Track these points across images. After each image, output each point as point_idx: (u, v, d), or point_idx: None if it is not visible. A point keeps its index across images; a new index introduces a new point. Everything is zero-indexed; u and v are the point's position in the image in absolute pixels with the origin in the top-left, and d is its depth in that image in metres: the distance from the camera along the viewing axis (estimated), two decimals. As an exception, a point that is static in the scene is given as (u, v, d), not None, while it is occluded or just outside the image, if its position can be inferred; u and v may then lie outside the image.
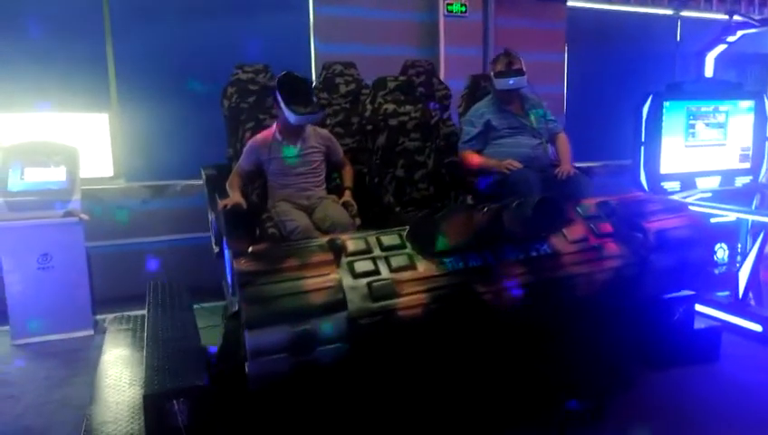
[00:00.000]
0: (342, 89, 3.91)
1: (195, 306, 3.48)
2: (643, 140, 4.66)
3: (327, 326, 2.05)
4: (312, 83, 3.27)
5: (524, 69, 3.49)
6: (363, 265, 2.23)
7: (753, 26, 4.64)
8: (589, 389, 2.68)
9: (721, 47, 4.85)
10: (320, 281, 2.10)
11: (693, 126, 4.76)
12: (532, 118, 3.57)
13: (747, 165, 5.06)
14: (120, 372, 2.70)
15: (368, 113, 3.63)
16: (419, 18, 5.13)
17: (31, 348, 3.60)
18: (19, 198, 3.71)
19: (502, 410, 2.53)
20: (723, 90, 4.86)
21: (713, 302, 3.86)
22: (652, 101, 4.58)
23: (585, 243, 2.52)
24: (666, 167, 4.71)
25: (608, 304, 2.51)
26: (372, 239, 2.36)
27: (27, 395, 2.95)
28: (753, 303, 3.78)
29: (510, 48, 3.57)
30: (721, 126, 4.87)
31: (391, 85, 3.71)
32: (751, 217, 4.20)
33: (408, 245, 2.36)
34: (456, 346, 2.29)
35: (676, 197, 4.31)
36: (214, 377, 2.30)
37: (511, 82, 3.45)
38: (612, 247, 2.55)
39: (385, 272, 2.24)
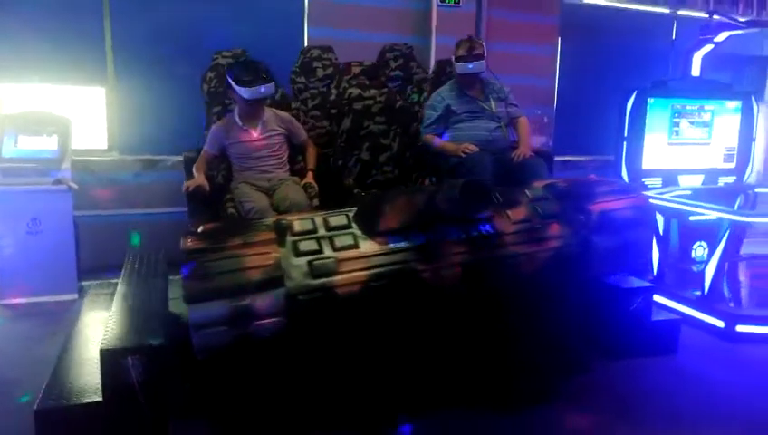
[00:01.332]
0: (320, 72, 4.01)
1: (176, 277, 3.61)
2: (625, 135, 4.70)
3: (264, 302, 2.16)
4: (265, 66, 3.33)
5: (485, 54, 3.62)
6: (307, 245, 2.33)
7: (739, 27, 4.64)
8: (539, 371, 2.78)
9: (708, 47, 4.85)
10: (259, 259, 2.21)
11: (677, 124, 4.79)
12: (492, 102, 3.70)
13: (732, 165, 5.08)
14: (91, 332, 2.84)
15: (332, 97, 3.77)
16: (413, 6, 5.20)
17: (17, 308, 3.77)
18: (12, 165, 3.86)
19: (447, 390, 2.62)
20: (709, 89, 4.87)
21: (678, 296, 3.94)
22: (636, 97, 4.62)
23: (528, 223, 2.60)
24: (648, 163, 4.75)
25: (551, 284, 2.58)
26: (319, 220, 2.45)
27: (6, 351, 3.12)
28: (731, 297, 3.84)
29: (473, 35, 3.69)
30: (706, 125, 4.89)
31: (356, 70, 3.85)
32: (733, 217, 4.25)
33: (354, 225, 2.44)
34: (395, 324, 2.38)
35: (653, 193, 4.35)
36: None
37: (470, 66, 3.57)
38: (555, 228, 2.62)
39: (328, 251, 2.33)
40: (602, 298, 3.18)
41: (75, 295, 3.94)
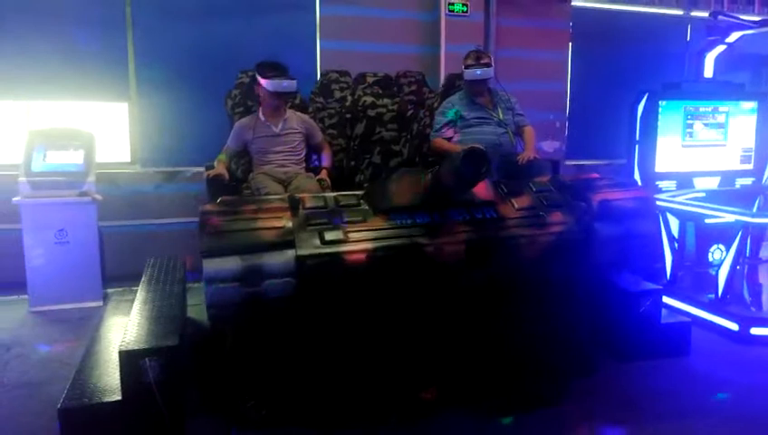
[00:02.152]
0: (337, 94, 4.19)
1: (195, 284, 3.76)
2: (637, 138, 4.71)
3: (275, 261, 2.26)
4: (287, 67, 3.57)
5: (492, 64, 3.78)
6: (317, 216, 2.44)
7: (748, 27, 4.61)
8: (545, 370, 2.80)
9: (720, 48, 4.83)
10: (271, 223, 2.34)
11: (690, 126, 4.77)
12: (500, 111, 3.86)
13: (749, 166, 5.03)
14: (112, 336, 2.98)
15: (348, 103, 3.94)
16: (422, 17, 5.30)
17: (45, 315, 3.95)
18: (41, 178, 4.05)
19: (450, 383, 2.67)
20: (723, 90, 4.85)
21: (692, 300, 3.92)
22: (647, 99, 4.63)
23: (531, 210, 2.67)
24: (661, 166, 4.75)
25: (555, 271, 2.62)
26: (330, 198, 2.57)
27: (35, 355, 3.28)
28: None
29: (481, 46, 3.79)
30: (721, 126, 4.87)
31: (371, 80, 4.03)
32: (749, 220, 4.21)
33: (363, 204, 2.55)
34: (398, 294, 2.46)
35: (664, 196, 4.35)
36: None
37: (478, 72, 3.73)
38: (557, 215, 2.68)
39: (337, 223, 2.44)
40: (611, 300, 3.20)
41: (100, 302, 4.10)
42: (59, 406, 2.27)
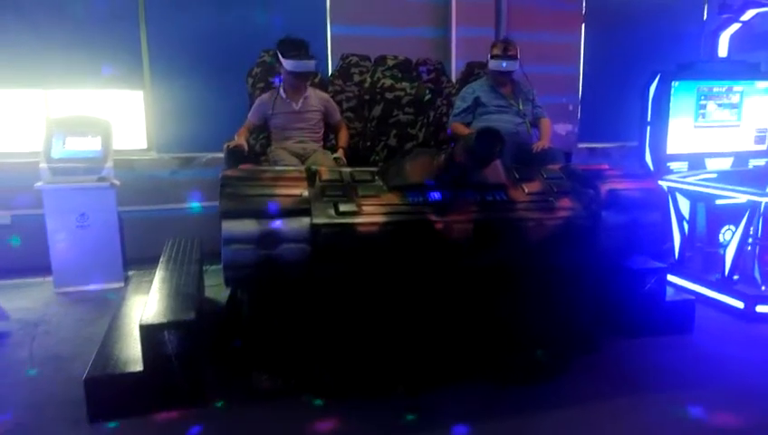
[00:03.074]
0: (356, 78, 4.23)
1: (211, 267, 3.87)
2: (649, 119, 4.69)
3: (291, 227, 2.36)
4: (308, 45, 3.62)
5: (518, 56, 3.80)
6: (333, 189, 2.54)
7: (764, 5, 4.55)
8: (548, 344, 2.87)
9: (735, 26, 4.76)
10: (289, 190, 2.43)
11: (704, 106, 4.74)
12: (520, 101, 3.90)
13: (763, 147, 4.99)
14: (134, 313, 3.10)
15: (366, 85, 3.99)
16: (432, 0, 5.30)
17: (70, 296, 4.10)
18: (60, 164, 4.19)
19: (454, 355, 2.75)
20: (737, 70, 4.80)
21: (699, 279, 3.95)
22: (660, 80, 4.60)
23: (540, 195, 2.74)
24: (673, 147, 4.73)
25: (561, 254, 2.68)
26: (346, 173, 2.67)
27: (61, 332, 3.43)
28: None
29: (509, 37, 3.83)
30: (735, 107, 4.83)
31: (391, 63, 4.05)
32: (758, 199, 4.20)
33: (377, 180, 2.64)
34: (408, 268, 2.54)
35: (674, 176, 4.36)
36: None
37: (504, 65, 3.78)
38: (566, 202, 2.75)
39: (351, 196, 2.53)
40: (616, 278, 3.25)
41: (121, 283, 4.24)
42: (84, 376, 2.40)
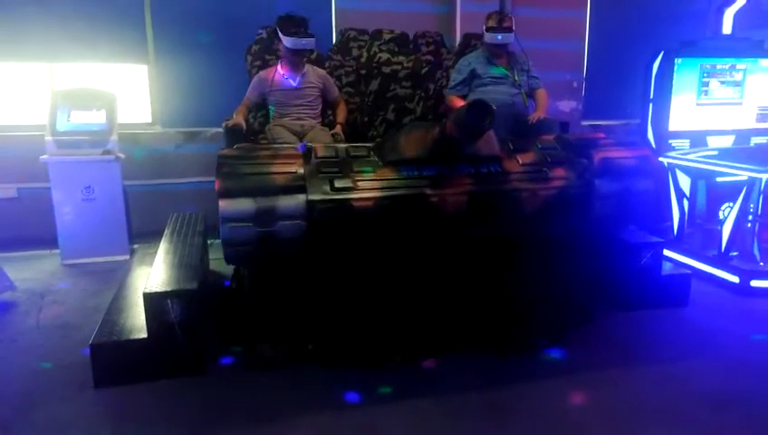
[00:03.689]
0: (355, 52, 4.21)
1: (216, 241, 3.92)
2: (651, 96, 4.69)
3: (287, 204, 2.40)
4: (307, 21, 3.66)
5: (513, 27, 3.81)
6: (328, 165, 2.57)
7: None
8: (547, 313, 2.92)
9: (740, 3, 4.72)
10: (285, 167, 2.47)
11: (706, 84, 4.73)
12: (515, 72, 3.92)
13: (766, 125, 4.98)
14: (139, 283, 3.18)
15: (363, 59, 4.00)
16: (437, -26, 5.27)
17: (76, 267, 4.19)
18: (65, 137, 4.23)
19: (449, 325, 2.81)
20: (741, 47, 4.77)
21: (696, 254, 3.99)
22: (663, 57, 4.59)
23: (534, 166, 2.76)
24: (675, 125, 4.73)
25: (556, 224, 2.72)
26: (342, 149, 2.70)
27: (69, 302, 3.52)
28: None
29: (503, 8, 3.82)
30: (737, 84, 4.81)
31: (387, 37, 4.05)
32: (755, 175, 4.21)
33: (373, 155, 2.67)
34: (403, 241, 2.59)
35: (674, 153, 4.36)
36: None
37: (499, 37, 3.77)
38: (559, 171, 2.78)
39: (347, 173, 2.57)
40: (613, 252, 3.30)
41: (127, 256, 4.32)
42: (90, 342, 2.48)
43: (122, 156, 4.34)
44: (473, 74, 3.91)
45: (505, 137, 2.99)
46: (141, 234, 4.58)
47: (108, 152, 4.25)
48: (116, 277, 3.79)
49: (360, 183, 2.53)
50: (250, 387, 2.52)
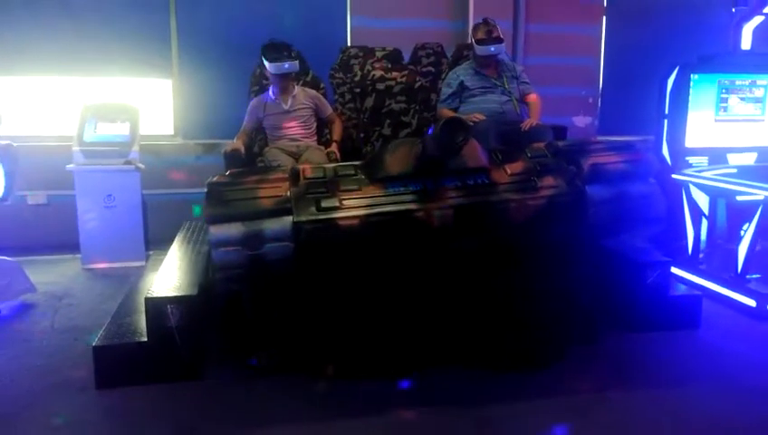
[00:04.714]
0: (356, 70, 4.29)
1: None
2: (666, 112, 4.61)
3: (274, 227, 2.47)
4: (290, 47, 3.84)
5: (502, 36, 3.83)
6: (316, 186, 2.62)
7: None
8: (546, 328, 2.86)
9: (758, 18, 4.62)
10: (271, 191, 2.53)
11: (725, 100, 4.62)
12: (505, 79, 3.95)
13: (790, 143, 4.83)
14: (146, 289, 3.28)
15: (357, 78, 4.09)
16: (451, -8, 5.35)
17: (95, 272, 4.37)
18: (91, 148, 4.45)
19: (441, 342, 2.80)
20: (761, 63, 4.65)
21: (712, 275, 3.89)
22: (678, 73, 4.51)
23: (523, 175, 2.72)
24: (692, 141, 4.63)
25: (549, 233, 2.68)
26: (330, 169, 2.75)
27: (84, 304, 3.67)
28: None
29: (489, 17, 3.88)
30: (759, 100, 4.68)
31: (379, 54, 4.17)
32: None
33: (359, 173, 2.70)
34: (392, 257, 2.60)
35: (689, 171, 4.28)
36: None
37: (492, 49, 3.81)
38: (548, 180, 2.73)
39: (334, 192, 2.61)
40: (618, 270, 3.24)
41: (143, 262, 4.47)
42: (93, 344, 2.59)
43: (142, 166, 4.52)
44: (462, 86, 3.96)
45: (496, 146, 2.99)
46: (159, 241, 4.72)
47: (129, 162, 4.43)
48: (131, 282, 3.91)
49: (346, 202, 2.56)
50: (246, 393, 2.58)
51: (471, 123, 3.67)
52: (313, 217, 2.51)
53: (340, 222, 2.51)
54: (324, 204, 2.54)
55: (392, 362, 2.74)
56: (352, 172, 2.70)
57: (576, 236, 2.74)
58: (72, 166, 4.39)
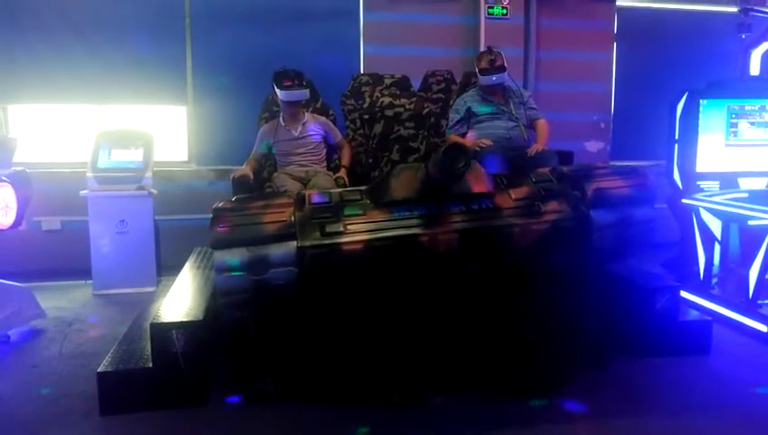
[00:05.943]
0: (367, 96, 4.37)
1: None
2: (677, 137, 4.60)
3: (278, 252, 2.48)
4: (301, 75, 3.92)
5: (505, 65, 3.88)
6: (321, 211, 2.63)
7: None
8: (552, 354, 2.85)
9: (766, 45, 4.62)
10: (275, 216, 2.55)
11: (735, 125, 4.61)
12: (512, 105, 4.00)
13: (802, 167, 4.78)
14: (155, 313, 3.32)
15: (366, 105, 4.17)
16: (462, 21, 5.42)
17: (106, 298, 4.41)
18: (105, 174, 4.53)
19: (448, 365, 2.79)
20: (769, 88, 4.64)
21: (723, 300, 3.83)
22: (687, 98, 4.52)
23: (527, 200, 2.73)
24: (702, 166, 4.61)
25: (550, 259, 2.68)
26: (335, 194, 2.76)
27: (92, 330, 3.70)
28: None
29: (493, 45, 3.92)
30: (769, 126, 4.67)
31: (388, 82, 4.27)
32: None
33: (364, 198, 2.72)
34: (396, 282, 2.61)
35: (699, 195, 4.25)
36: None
37: (494, 78, 3.88)
38: (553, 205, 2.73)
39: (338, 217, 2.62)
40: (626, 295, 3.21)
41: (154, 288, 4.50)
42: (98, 370, 2.60)
43: (155, 192, 4.58)
44: (469, 112, 4.02)
45: (502, 171, 3.01)
46: (170, 267, 4.74)
47: (141, 188, 4.50)
48: (141, 308, 3.95)
49: (350, 227, 2.57)
50: (250, 420, 2.57)
51: (478, 148, 3.72)
52: (317, 242, 2.52)
53: (344, 247, 2.52)
54: (329, 229, 2.55)
55: (397, 388, 2.71)
56: (357, 197, 2.72)
57: (580, 260, 2.74)
58: (85, 192, 4.46)
